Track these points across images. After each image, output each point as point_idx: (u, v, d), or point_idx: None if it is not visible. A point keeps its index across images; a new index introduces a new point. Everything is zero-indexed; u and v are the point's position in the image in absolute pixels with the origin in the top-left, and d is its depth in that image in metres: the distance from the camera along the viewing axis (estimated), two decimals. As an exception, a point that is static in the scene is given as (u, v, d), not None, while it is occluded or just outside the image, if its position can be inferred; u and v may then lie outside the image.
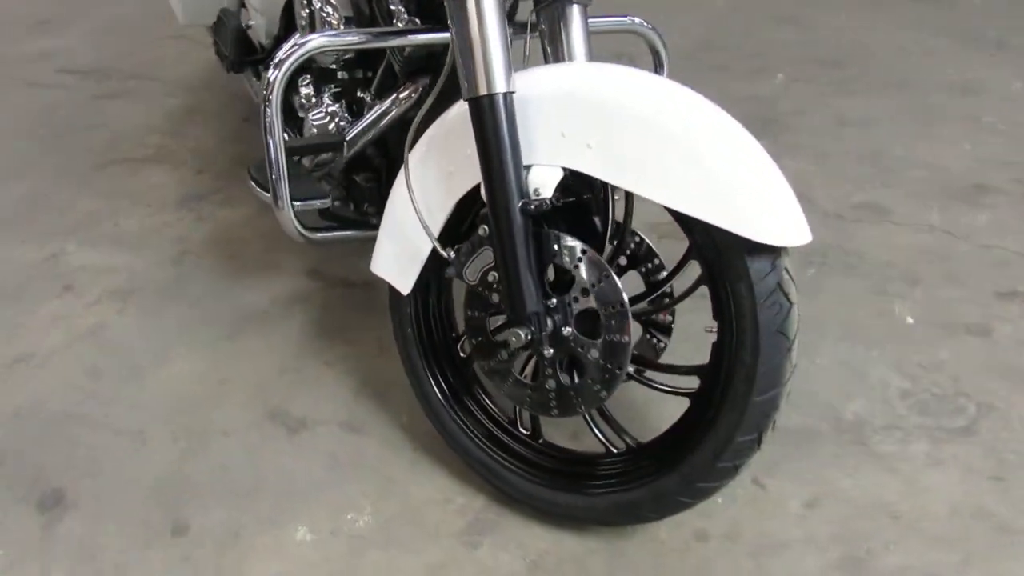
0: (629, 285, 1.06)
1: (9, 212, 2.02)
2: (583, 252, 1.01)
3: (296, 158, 1.52)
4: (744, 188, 0.92)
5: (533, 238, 1.03)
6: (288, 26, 1.70)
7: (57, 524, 1.23)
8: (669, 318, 1.17)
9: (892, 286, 1.66)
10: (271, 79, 1.13)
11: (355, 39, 1.20)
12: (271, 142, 1.17)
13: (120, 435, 1.39)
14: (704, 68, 2.51)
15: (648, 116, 0.95)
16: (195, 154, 2.27)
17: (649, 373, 1.15)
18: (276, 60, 1.13)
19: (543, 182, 1.01)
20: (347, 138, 1.35)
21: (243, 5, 1.97)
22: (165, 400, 1.46)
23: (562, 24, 1.16)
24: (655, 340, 1.17)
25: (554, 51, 1.19)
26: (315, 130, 1.50)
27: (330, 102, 1.53)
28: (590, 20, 1.33)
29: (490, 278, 1.07)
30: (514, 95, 0.99)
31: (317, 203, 1.42)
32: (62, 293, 1.74)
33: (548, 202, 1.00)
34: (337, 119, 1.50)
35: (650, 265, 1.15)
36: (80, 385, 1.50)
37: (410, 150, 1.11)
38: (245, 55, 1.77)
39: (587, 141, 0.98)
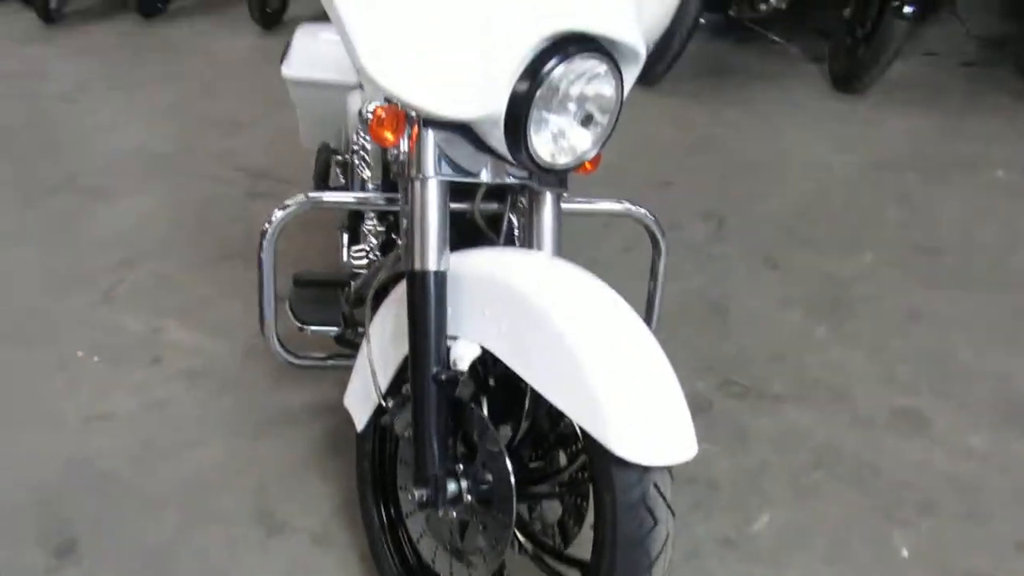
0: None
1: (140, 286, 2.38)
2: (484, 427, 1.08)
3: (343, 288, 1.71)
4: (621, 401, 0.95)
5: (453, 405, 1.11)
6: None
7: (60, 571, 1.44)
8: (584, 503, 1.18)
9: (901, 511, 1.53)
10: (272, 218, 1.32)
11: (350, 200, 1.38)
12: (263, 273, 1.35)
13: (141, 502, 1.60)
14: (791, 240, 2.47)
15: (550, 313, 1.01)
16: (300, 260, 2.56)
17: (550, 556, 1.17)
18: (282, 205, 1.33)
19: (462, 355, 1.09)
20: (353, 277, 1.52)
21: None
22: (187, 479, 1.66)
23: (535, 208, 1.21)
24: (571, 522, 1.19)
25: (527, 234, 1.24)
26: (353, 262, 1.69)
27: (373, 240, 1.71)
28: (583, 202, 1.42)
29: (407, 434, 1.16)
30: (446, 273, 1.09)
31: (329, 329, 1.60)
32: (150, 364, 2.03)
33: (461, 374, 1.09)
34: (370, 255, 1.68)
35: (574, 448, 1.18)
36: (130, 452, 1.74)
37: (374, 303, 1.25)
38: (326, 185, 2.04)
39: (500, 325, 1.06)
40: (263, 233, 1.35)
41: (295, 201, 1.34)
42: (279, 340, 1.42)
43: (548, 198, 1.21)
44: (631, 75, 1.09)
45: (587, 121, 1.07)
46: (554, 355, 0.99)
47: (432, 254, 1.08)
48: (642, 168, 2.96)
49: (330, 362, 1.50)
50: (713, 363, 1.94)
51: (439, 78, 1.01)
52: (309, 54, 1.98)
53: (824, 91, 3.60)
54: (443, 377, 1.08)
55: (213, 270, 2.48)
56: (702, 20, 3.57)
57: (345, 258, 1.88)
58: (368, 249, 1.69)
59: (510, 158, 1.08)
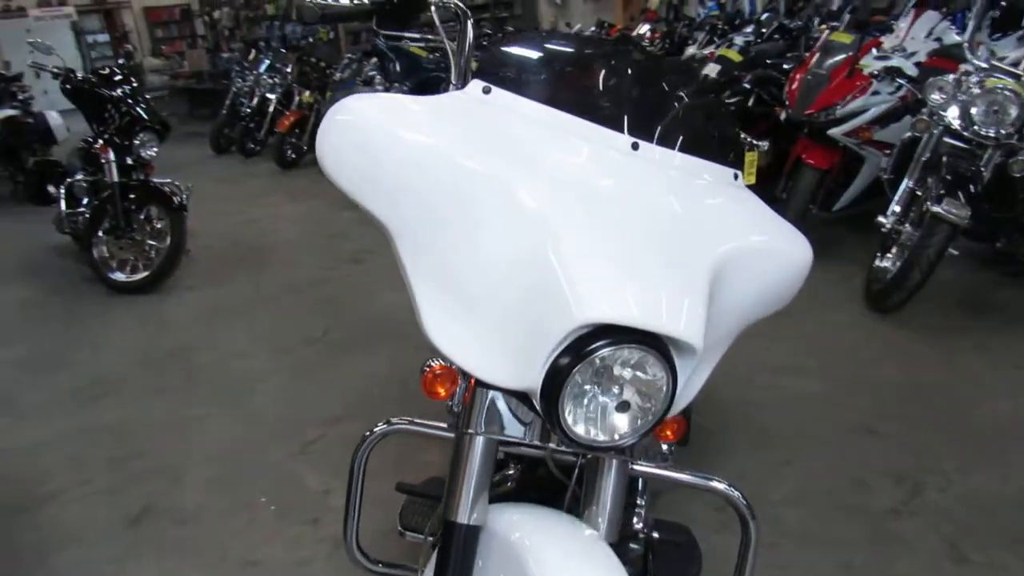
0: None
1: (333, 445, 2.71)
2: None
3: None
4: None
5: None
6: None
7: None
8: None
9: None
10: (372, 432, 1.45)
11: (432, 432, 1.48)
12: (353, 480, 1.47)
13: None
14: (993, 531, 2.05)
15: None
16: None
17: None
18: (386, 420, 1.45)
19: None
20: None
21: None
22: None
23: (599, 471, 1.20)
24: None
25: (587, 497, 1.22)
26: None
27: None
28: (665, 470, 1.38)
29: None
30: (479, 528, 1.13)
31: (420, 537, 1.69)
32: (309, 522, 2.29)
33: None
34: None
35: None
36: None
37: (434, 538, 1.33)
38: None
39: None
40: (363, 440, 1.48)
41: (398, 420, 1.48)
42: (358, 546, 1.53)
43: (613, 464, 1.20)
44: (688, 366, 1.06)
45: (624, 407, 1.04)
46: None
47: (466, 507, 1.13)
48: (848, 408, 2.73)
49: (399, 572, 1.58)
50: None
51: (488, 347, 1.06)
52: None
53: (1103, 351, 3.06)
54: None
55: (395, 442, 2.73)
56: (954, 251, 3.28)
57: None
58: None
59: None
